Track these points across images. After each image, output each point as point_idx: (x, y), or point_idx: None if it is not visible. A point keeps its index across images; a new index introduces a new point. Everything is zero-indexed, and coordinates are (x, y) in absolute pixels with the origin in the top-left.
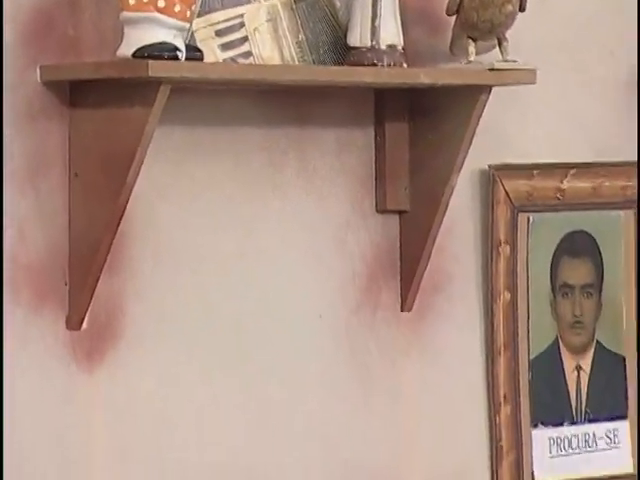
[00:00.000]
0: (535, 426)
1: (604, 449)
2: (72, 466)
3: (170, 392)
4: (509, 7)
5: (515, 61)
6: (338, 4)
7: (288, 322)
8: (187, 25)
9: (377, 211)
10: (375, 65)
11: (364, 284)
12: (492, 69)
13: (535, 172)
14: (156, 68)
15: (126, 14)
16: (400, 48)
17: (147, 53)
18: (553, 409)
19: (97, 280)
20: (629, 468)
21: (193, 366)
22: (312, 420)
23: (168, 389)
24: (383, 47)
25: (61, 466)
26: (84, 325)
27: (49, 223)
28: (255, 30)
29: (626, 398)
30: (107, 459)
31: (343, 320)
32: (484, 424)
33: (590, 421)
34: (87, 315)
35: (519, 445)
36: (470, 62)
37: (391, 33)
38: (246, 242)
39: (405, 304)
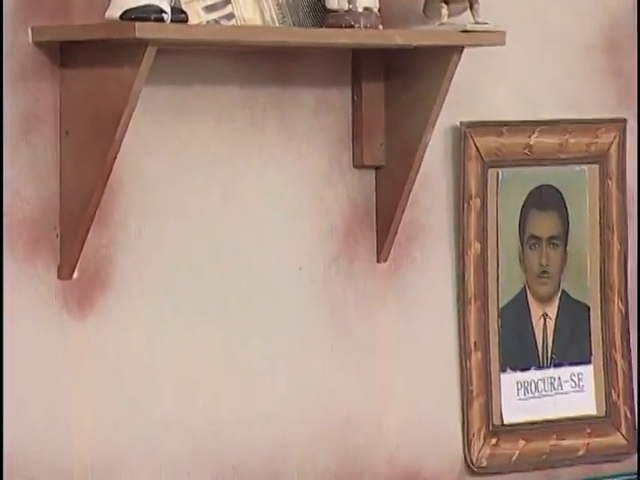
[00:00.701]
0: (504, 371)
1: (569, 392)
2: (61, 405)
3: (155, 339)
4: None
5: (486, 23)
6: None
7: (269, 274)
8: None
9: (354, 167)
10: (352, 27)
11: (341, 237)
12: (464, 31)
13: (504, 129)
14: (143, 30)
15: None
16: (376, 11)
17: (134, 15)
18: (521, 355)
19: (87, 233)
20: (592, 410)
21: (177, 314)
22: (291, 368)
23: (154, 335)
24: (360, 10)
25: (50, 405)
26: (74, 275)
27: (41, 179)
28: None
29: (590, 344)
30: (94, 398)
31: (321, 272)
32: (455, 370)
33: (556, 366)
34: (77, 266)
35: (488, 389)
36: (443, 24)
37: None
38: (228, 197)
39: (381, 255)
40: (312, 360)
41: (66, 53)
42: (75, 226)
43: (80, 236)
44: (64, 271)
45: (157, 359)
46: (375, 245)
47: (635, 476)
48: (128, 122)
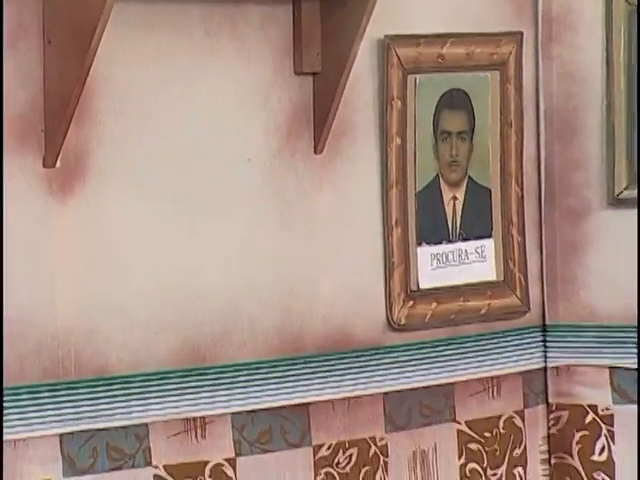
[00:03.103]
0: (420, 245)
1: (473, 262)
2: (47, 275)
3: (127, 220)
4: None
5: None
6: None
7: (224, 164)
8: None
9: (295, 73)
10: None
11: (284, 133)
12: None
13: (421, 41)
14: None
15: None
16: None
17: None
18: (434, 231)
19: (68, 127)
20: (493, 276)
21: (145, 199)
22: (243, 244)
23: (126, 217)
24: None
25: (38, 274)
26: (57, 164)
27: (28, 81)
28: None
29: (491, 221)
30: (75, 269)
31: (267, 162)
32: (380, 244)
33: (463, 240)
34: (59, 157)
35: (407, 260)
36: None
37: None
38: (188, 98)
39: (317, 148)
40: (260, 237)
41: None
42: (57, 121)
43: (62, 131)
44: (48, 161)
45: (129, 236)
46: (313, 140)
47: (529, 329)
48: (102, 33)
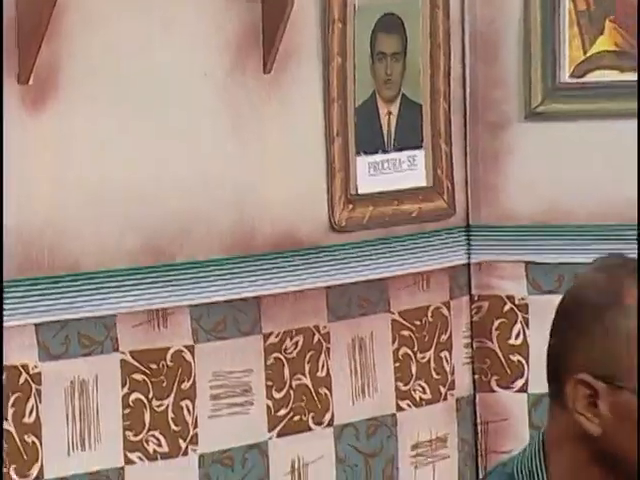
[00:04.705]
0: (358, 154)
1: (406, 170)
2: (24, 179)
3: (96, 130)
4: None
5: None
6: None
7: (183, 78)
8: None
9: None
10: None
11: (235, 53)
12: None
13: None
14: None
15: None
16: None
17: None
18: (371, 142)
19: (40, 45)
20: (423, 183)
21: (112, 112)
22: (200, 153)
23: (95, 128)
24: None
25: (16, 179)
26: (30, 81)
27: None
28: None
29: (422, 134)
30: (49, 173)
31: (221, 79)
32: (322, 153)
33: (397, 150)
34: (32, 74)
35: (347, 168)
36: None
37: None
38: (150, 22)
39: (266, 68)
40: (215, 146)
41: None
42: (30, 40)
43: (34, 49)
44: (22, 77)
45: (97, 144)
46: (262, 59)
47: (454, 230)
48: None
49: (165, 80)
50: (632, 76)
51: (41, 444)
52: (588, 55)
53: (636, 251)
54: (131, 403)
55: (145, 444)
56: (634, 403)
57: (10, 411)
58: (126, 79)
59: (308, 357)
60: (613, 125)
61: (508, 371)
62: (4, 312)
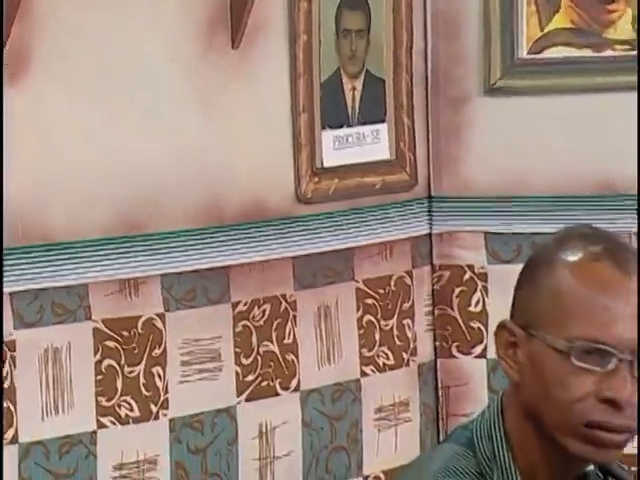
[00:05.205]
0: (324, 128)
1: (370, 143)
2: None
3: (69, 107)
4: None
5: None
6: None
7: (152, 54)
8: None
9: None
10: None
11: (205, 30)
12: None
13: None
14: None
15: None
16: None
17: None
18: (336, 117)
19: (12, 24)
20: (387, 156)
21: (83, 91)
22: (171, 129)
23: (67, 105)
24: None
25: None
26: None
27: None
28: None
29: (385, 108)
30: (25, 147)
31: (190, 55)
32: (289, 127)
33: (361, 124)
34: (5, 51)
35: (313, 142)
36: None
37: None
38: (117, 6)
39: (234, 44)
40: (185, 121)
41: None
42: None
43: (7, 28)
44: None
45: (70, 121)
46: (230, 36)
47: (417, 201)
48: None
49: (135, 58)
50: (587, 52)
51: (16, 409)
52: (545, 32)
53: (596, 221)
54: (103, 369)
55: (117, 409)
56: (545, 353)
57: None
58: (92, 59)
59: (275, 325)
60: (568, 99)
61: (468, 337)
62: None
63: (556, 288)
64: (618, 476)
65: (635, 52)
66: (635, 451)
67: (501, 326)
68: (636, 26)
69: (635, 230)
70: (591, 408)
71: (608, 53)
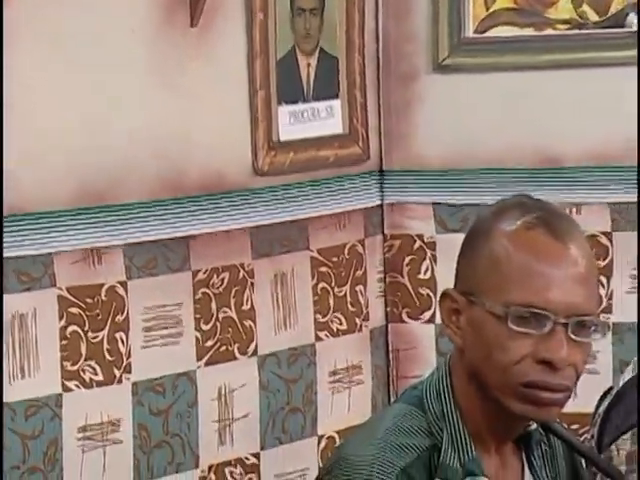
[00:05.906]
0: (280, 104)
1: (324, 118)
2: None
3: (33, 82)
4: None
5: None
6: None
7: (112, 32)
8: None
9: None
10: None
11: (163, 6)
12: None
13: None
14: None
15: None
16: None
17: None
18: (292, 93)
19: None
20: (340, 130)
21: (47, 63)
22: (129, 102)
23: (31, 80)
24: None
25: None
26: None
27: None
28: None
29: (338, 85)
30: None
31: (149, 33)
32: (246, 103)
33: (315, 100)
34: None
35: (269, 117)
36: None
37: None
38: None
39: (193, 22)
40: (144, 97)
41: None
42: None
43: None
44: None
45: (35, 96)
46: (189, 14)
47: (369, 174)
48: None
49: (95, 35)
50: (529, 31)
51: None
52: (490, 12)
53: (539, 193)
54: (68, 335)
55: (82, 373)
56: (485, 318)
57: None
58: (57, 35)
59: (234, 292)
60: (512, 76)
61: (417, 303)
62: None
63: (493, 256)
64: (559, 433)
65: (575, 31)
66: (574, 409)
67: (444, 294)
68: (578, 8)
69: (578, 201)
70: (529, 369)
71: (549, 32)
